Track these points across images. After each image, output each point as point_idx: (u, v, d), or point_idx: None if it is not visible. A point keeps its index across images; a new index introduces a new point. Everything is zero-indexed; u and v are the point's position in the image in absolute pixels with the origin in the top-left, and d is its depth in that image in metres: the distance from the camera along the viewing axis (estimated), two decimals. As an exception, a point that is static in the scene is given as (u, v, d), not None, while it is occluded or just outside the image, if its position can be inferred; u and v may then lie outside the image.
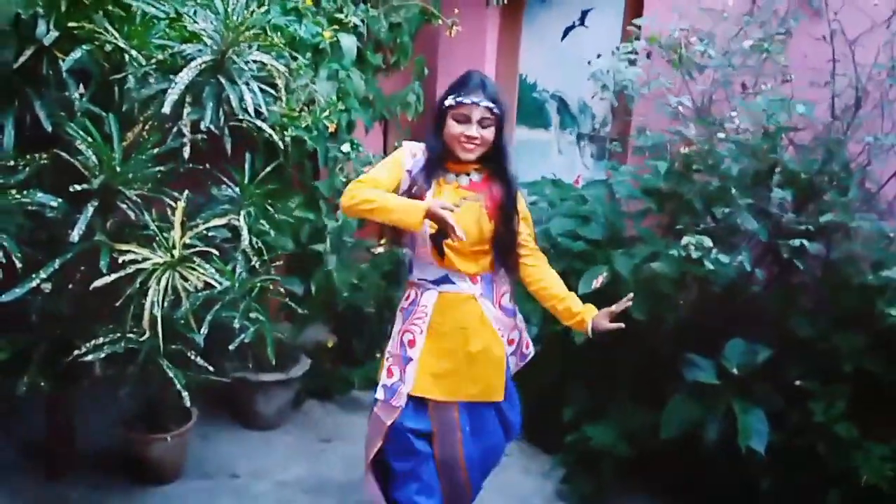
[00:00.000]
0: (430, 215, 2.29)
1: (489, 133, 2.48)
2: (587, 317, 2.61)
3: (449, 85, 2.54)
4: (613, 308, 2.57)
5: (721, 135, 2.93)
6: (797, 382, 3.18)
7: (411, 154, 2.58)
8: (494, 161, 2.57)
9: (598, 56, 4.33)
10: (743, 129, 2.97)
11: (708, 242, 2.76)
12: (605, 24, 4.47)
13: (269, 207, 3.27)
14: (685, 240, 2.81)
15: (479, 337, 2.60)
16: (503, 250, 2.60)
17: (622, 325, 2.59)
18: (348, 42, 3.73)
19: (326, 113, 3.47)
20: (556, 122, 4.85)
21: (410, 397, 2.58)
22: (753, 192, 3.01)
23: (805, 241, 2.78)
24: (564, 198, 3.98)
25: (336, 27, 3.67)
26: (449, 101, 2.48)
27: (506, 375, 2.71)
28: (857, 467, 3.01)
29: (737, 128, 2.97)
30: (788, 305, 3.28)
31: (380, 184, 2.46)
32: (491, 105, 2.43)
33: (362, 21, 3.91)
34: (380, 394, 2.63)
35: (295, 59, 3.25)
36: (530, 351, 2.89)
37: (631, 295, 2.57)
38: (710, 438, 3.10)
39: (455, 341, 2.59)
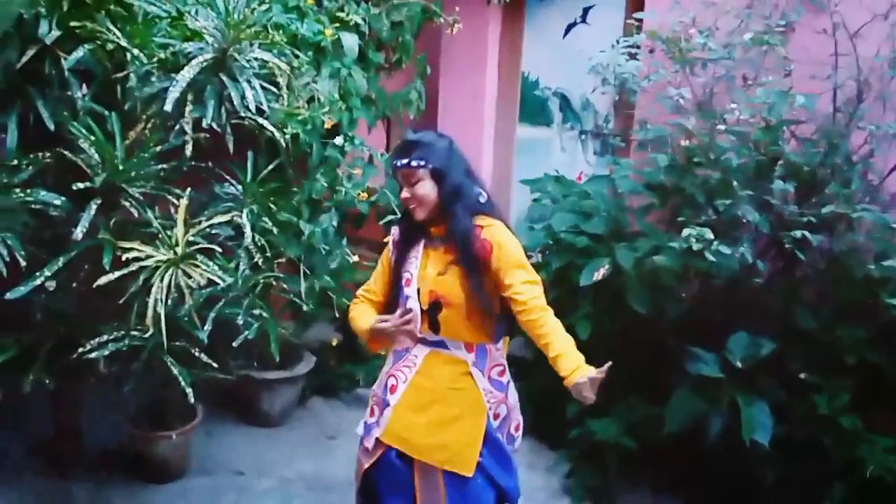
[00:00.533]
0: (373, 341, 2.41)
1: (421, 189, 2.30)
2: (572, 379, 2.25)
3: None
4: (596, 374, 2.25)
5: (722, 127, 2.92)
6: (801, 375, 3.19)
7: (393, 239, 2.51)
8: (442, 219, 2.35)
9: (590, 58, 4.34)
10: (744, 120, 2.97)
11: (709, 234, 2.77)
12: (606, 20, 4.47)
13: (272, 206, 3.28)
14: (686, 231, 2.81)
15: (462, 402, 2.40)
16: (475, 313, 2.33)
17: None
18: (350, 40, 3.73)
19: (326, 109, 3.48)
20: (559, 119, 4.86)
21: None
22: (755, 185, 3.01)
23: (808, 233, 2.78)
24: (567, 194, 3.99)
25: (338, 25, 3.68)
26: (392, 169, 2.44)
27: (492, 444, 2.45)
28: (861, 459, 3.02)
29: (737, 119, 2.97)
30: (791, 298, 3.28)
31: (372, 288, 2.53)
32: (408, 163, 2.29)
33: (364, 20, 3.92)
34: (359, 429, 2.54)
35: (297, 56, 3.26)
36: (518, 435, 2.62)
37: (609, 363, 2.28)
38: (714, 432, 3.10)
39: (434, 399, 2.40)
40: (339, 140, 3.58)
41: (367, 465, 2.47)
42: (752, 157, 3.06)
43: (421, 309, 2.35)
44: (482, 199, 2.38)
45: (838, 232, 3.20)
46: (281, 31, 3.20)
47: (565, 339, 2.28)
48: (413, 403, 2.41)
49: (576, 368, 2.23)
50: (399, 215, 2.59)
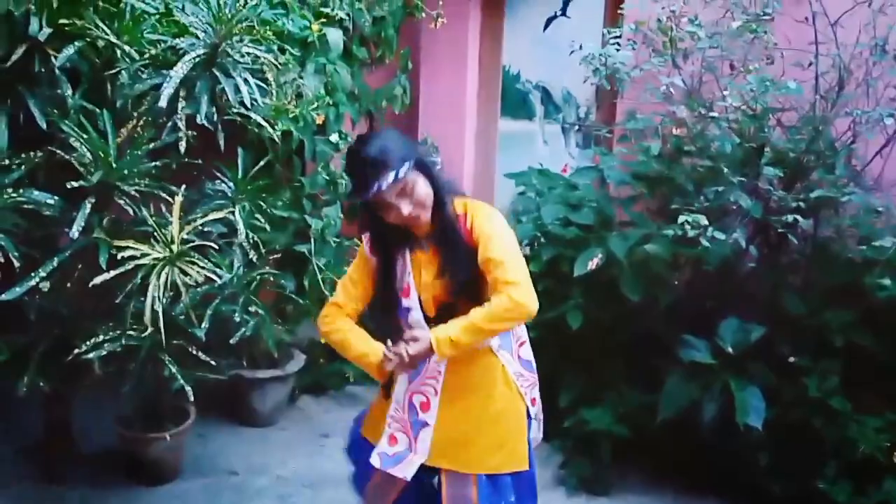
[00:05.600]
0: (385, 375, 2.20)
1: (420, 191, 2.07)
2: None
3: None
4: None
5: (714, 113, 2.96)
6: (791, 359, 3.24)
7: (369, 248, 2.27)
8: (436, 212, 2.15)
9: (580, 47, 4.37)
10: (733, 108, 3.01)
11: (703, 221, 2.80)
12: (587, 13, 4.51)
13: (262, 203, 3.27)
14: (681, 218, 2.85)
15: (500, 395, 2.24)
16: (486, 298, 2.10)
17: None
18: (335, 36, 3.73)
19: (314, 105, 3.47)
20: (541, 112, 4.88)
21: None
22: (744, 172, 3.06)
23: (798, 217, 2.82)
24: (552, 187, 4.01)
25: (323, 21, 3.67)
26: (358, 201, 2.25)
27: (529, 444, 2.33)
28: (852, 439, 3.07)
29: (727, 107, 3.01)
30: (779, 284, 3.34)
31: (351, 295, 2.27)
32: (396, 175, 2.00)
33: (348, 15, 3.91)
34: (375, 461, 2.25)
35: (284, 52, 3.25)
36: (541, 419, 2.48)
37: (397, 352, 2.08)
38: (707, 417, 3.14)
39: (473, 401, 2.23)
40: (334, 137, 3.57)
41: (394, 497, 2.33)
42: (739, 144, 3.10)
43: (427, 318, 2.17)
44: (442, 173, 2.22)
45: (824, 217, 3.27)
46: (268, 27, 3.19)
47: (470, 316, 2.04)
48: (455, 414, 2.22)
49: (440, 334, 2.03)
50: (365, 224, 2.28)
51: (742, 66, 3.12)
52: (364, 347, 2.19)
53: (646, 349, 3.51)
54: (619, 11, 3.40)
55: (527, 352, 2.36)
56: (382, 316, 2.29)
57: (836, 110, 3.12)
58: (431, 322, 2.15)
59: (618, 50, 3.23)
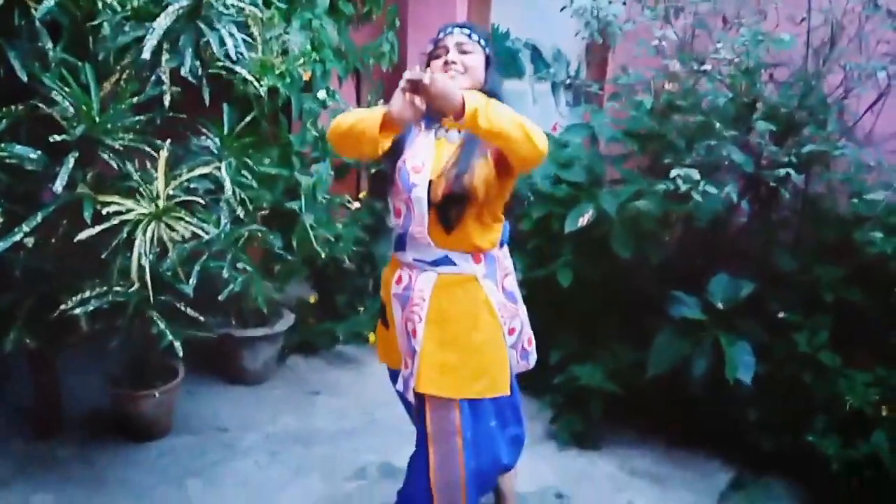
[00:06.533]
0: (388, 119, 2.05)
1: (471, 60, 2.22)
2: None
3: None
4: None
5: (707, 66, 2.93)
6: (780, 315, 3.25)
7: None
8: None
9: (571, 2, 4.32)
10: (725, 62, 2.98)
11: (696, 175, 2.78)
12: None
13: (249, 160, 3.23)
14: (673, 172, 2.83)
15: (483, 324, 2.31)
16: (490, 208, 2.26)
17: None
18: (321, -10, 3.67)
19: (301, 61, 3.42)
20: (530, 70, 4.83)
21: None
22: (735, 127, 3.04)
23: (790, 171, 2.81)
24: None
25: (309, -26, 3.61)
26: (428, 49, 2.33)
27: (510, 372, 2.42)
28: (841, 394, 3.08)
29: (719, 61, 2.97)
30: (770, 240, 3.33)
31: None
32: (466, 31, 2.25)
33: (334, -31, 3.85)
34: (399, 385, 2.40)
35: (269, 6, 3.20)
36: (532, 349, 2.57)
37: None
38: (697, 373, 3.15)
39: (457, 329, 2.29)
40: (321, 94, 3.52)
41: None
42: (731, 100, 3.08)
43: (430, 203, 2.20)
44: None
45: (815, 173, 3.25)
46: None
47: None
48: (438, 341, 2.28)
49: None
50: None
51: (735, 20, 3.08)
52: (368, 111, 2.14)
53: (636, 306, 3.51)
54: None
55: (511, 283, 2.42)
56: (382, 182, 2.37)
57: (828, 66, 3.10)
58: (432, 207, 2.20)
59: (610, 2, 3.18)
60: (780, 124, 3.05)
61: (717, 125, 2.92)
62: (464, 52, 2.23)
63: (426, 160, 2.23)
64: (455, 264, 2.29)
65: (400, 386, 2.40)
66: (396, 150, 2.25)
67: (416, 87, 1.97)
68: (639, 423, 3.60)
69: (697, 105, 3.10)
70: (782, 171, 2.82)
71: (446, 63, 2.23)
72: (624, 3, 3.28)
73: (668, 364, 3.22)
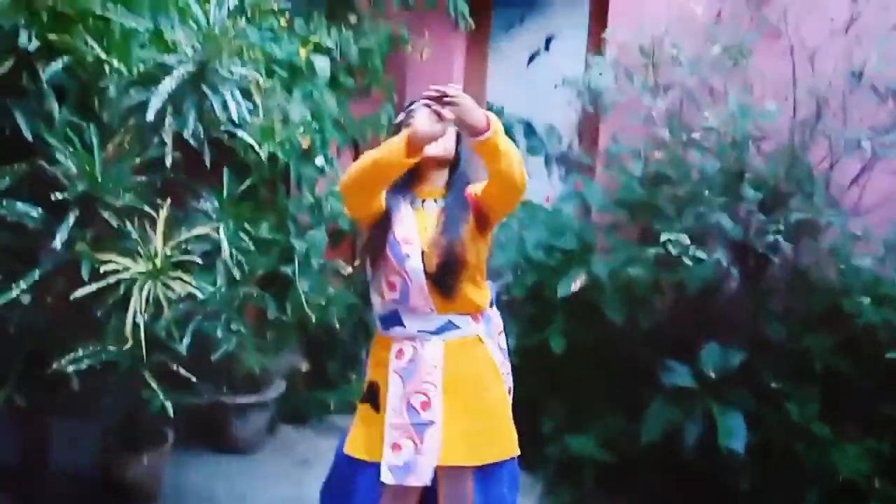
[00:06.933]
0: (413, 140, 2.05)
1: (447, 136, 2.20)
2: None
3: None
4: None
5: (696, 135, 3.01)
6: (772, 384, 3.26)
7: None
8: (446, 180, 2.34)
9: (563, 82, 4.45)
10: (713, 133, 3.07)
11: (686, 240, 2.84)
12: (568, 48, 4.59)
13: (247, 224, 3.27)
14: (664, 237, 2.88)
15: (492, 384, 2.31)
16: (480, 270, 2.32)
17: None
18: (322, 63, 3.78)
19: (301, 130, 3.49)
20: (524, 145, 4.93)
21: None
22: (724, 196, 3.11)
23: (779, 237, 2.86)
24: (534, 217, 4.04)
25: (311, 48, 3.72)
26: (400, 118, 2.37)
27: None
28: (833, 465, 3.08)
29: (707, 129, 3.06)
30: (759, 309, 3.37)
31: None
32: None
33: (336, 44, 3.97)
34: (387, 477, 2.21)
35: (271, 75, 3.29)
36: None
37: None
38: (689, 441, 3.15)
39: (471, 393, 2.27)
40: (319, 161, 3.59)
41: None
42: (720, 170, 3.16)
43: (426, 274, 2.21)
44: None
45: (803, 244, 3.31)
46: (257, 50, 3.23)
47: None
48: (457, 408, 2.23)
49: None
50: None
51: (722, 92, 3.19)
52: (382, 147, 2.16)
53: (628, 374, 3.52)
54: (601, 37, 3.47)
55: (503, 341, 2.44)
56: (373, 253, 2.30)
57: (813, 138, 3.19)
58: (428, 277, 2.21)
59: (600, 74, 3.29)
60: (767, 194, 3.12)
61: (706, 193, 2.99)
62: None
63: (415, 231, 2.25)
64: (459, 327, 2.28)
65: (393, 476, 2.21)
66: (384, 222, 2.27)
67: (441, 99, 2.01)
68: (631, 493, 3.55)
69: (687, 174, 3.17)
70: (771, 237, 2.87)
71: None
72: (616, 80, 3.39)
73: (660, 432, 3.21)
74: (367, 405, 2.37)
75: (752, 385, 3.26)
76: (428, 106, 2.03)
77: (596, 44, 3.49)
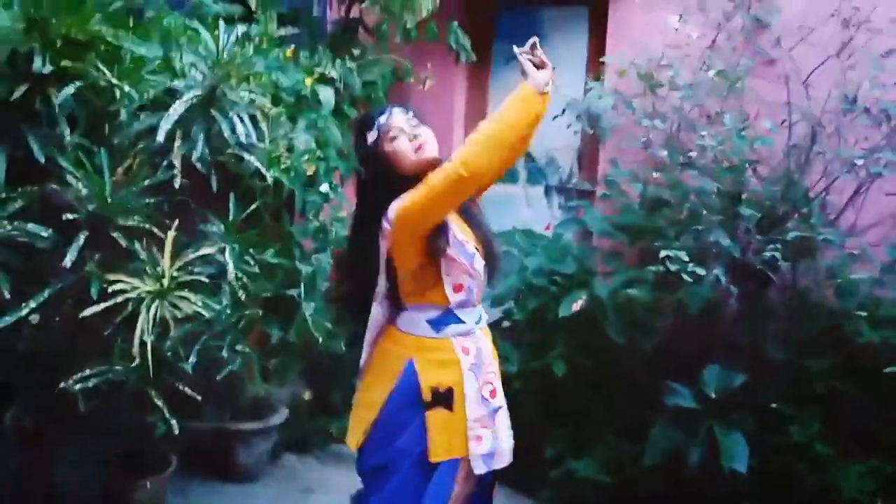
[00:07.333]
0: (540, 85, 2.13)
1: (428, 133, 2.33)
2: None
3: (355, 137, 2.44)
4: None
5: (693, 153, 3.07)
6: (773, 405, 3.27)
7: None
8: None
9: (563, 112, 4.53)
10: (710, 153, 3.13)
11: (684, 256, 2.88)
12: (568, 82, 4.66)
13: (252, 251, 3.32)
14: (663, 253, 2.92)
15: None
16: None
17: None
18: (326, 93, 3.85)
19: (306, 157, 3.56)
20: (524, 176, 5.00)
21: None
22: (722, 215, 3.16)
23: (776, 254, 2.90)
24: (535, 244, 4.09)
25: (316, 78, 3.79)
26: (371, 138, 2.33)
27: None
28: (836, 484, 3.08)
29: (704, 149, 3.12)
30: (760, 331, 3.39)
31: None
32: (406, 109, 2.35)
33: (339, 76, 4.05)
34: (479, 468, 2.30)
35: (277, 103, 3.36)
36: None
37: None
38: (692, 462, 3.15)
39: (500, 373, 2.48)
40: (324, 188, 3.65)
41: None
42: (717, 192, 3.21)
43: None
44: None
45: (801, 268, 3.35)
46: (263, 77, 3.30)
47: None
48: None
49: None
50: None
51: (718, 115, 3.26)
52: (501, 111, 2.18)
53: (630, 396, 3.53)
54: (600, 62, 3.55)
55: None
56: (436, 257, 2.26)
57: (809, 160, 3.25)
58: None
59: (600, 98, 3.37)
60: (764, 216, 3.17)
61: (704, 212, 3.04)
62: (418, 127, 2.31)
63: (459, 231, 2.32)
64: (483, 315, 2.45)
65: (484, 465, 2.30)
66: (444, 225, 2.26)
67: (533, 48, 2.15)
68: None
69: (685, 195, 3.22)
70: (768, 254, 2.91)
71: (414, 138, 2.28)
72: (614, 105, 3.46)
73: (663, 453, 3.22)
74: (439, 409, 2.32)
75: (753, 406, 3.28)
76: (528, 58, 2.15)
77: (594, 68, 3.57)
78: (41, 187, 2.70)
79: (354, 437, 2.42)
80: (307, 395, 4.44)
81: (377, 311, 2.43)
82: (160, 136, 2.62)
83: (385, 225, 2.25)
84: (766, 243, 3.05)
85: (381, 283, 2.38)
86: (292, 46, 3.86)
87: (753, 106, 3.32)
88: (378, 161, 2.33)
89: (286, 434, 4.26)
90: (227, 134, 2.79)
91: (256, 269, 3.21)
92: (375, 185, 2.36)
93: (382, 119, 2.29)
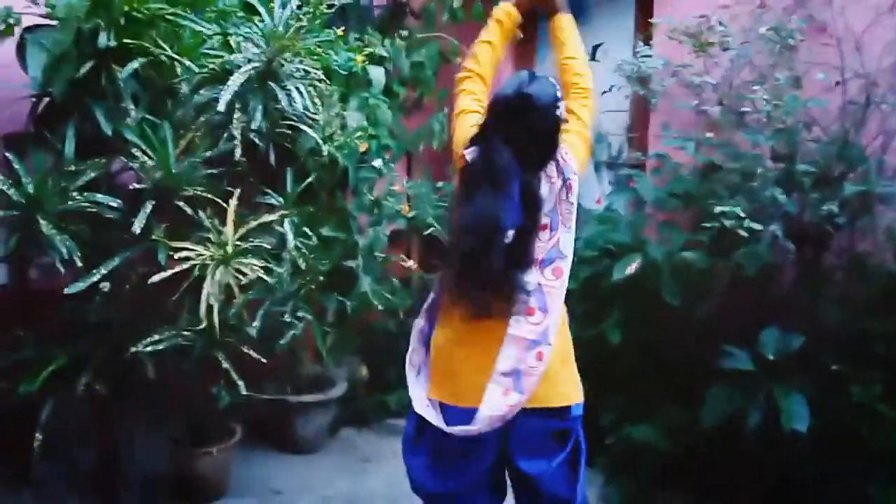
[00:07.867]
0: None
1: None
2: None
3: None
4: None
5: (746, 108, 3.05)
6: (833, 367, 3.24)
7: None
8: None
9: (611, 88, 4.52)
10: (764, 111, 3.11)
11: (740, 212, 2.86)
12: (615, 58, 4.67)
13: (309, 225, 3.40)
14: (718, 209, 2.91)
15: None
16: None
17: None
18: (377, 73, 3.91)
19: (358, 135, 3.62)
20: (574, 153, 5.00)
21: None
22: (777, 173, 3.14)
23: (834, 208, 2.87)
24: (586, 219, 4.09)
25: (365, 58, 3.86)
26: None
27: None
28: (901, 444, 3.04)
29: (757, 102, 3.10)
30: (818, 294, 3.35)
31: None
32: None
33: (388, 54, 4.11)
34: None
35: (330, 81, 3.43)
36: None
37: None
38: (752, 425, 3.13)
39: None
40: (377, 163, 3.71)
41: None
42: (772, 149, 3.19)
43: None
44: None
45: (860, 227, 3.30)
46: (316, 55, 3.37)
47: None
48: None
49: None
50: None
51: (771, 73, 3.24)
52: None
53: (686, 362, 3.51)
54: (648, 22, 3.56)
55: None
56: None
57: (865, 121, 3.21)
58: None
59: (650, 57, 3.37)
60: (820, 175, 3.14)
61: (759, 169, 3.02)
62: None
63: None
64: None
65: None
66: None
67: None
68: (693, 482, 3.52)
69: (738, 157, 3.20)
70: (826, 209, 2.88)
71: None
72: (665, 64, 3.45)
73: (721, 416, 3.20)
74: None
75: (812, 369, 3.24)
76: None
77: (644, 30, 3.57)
78: (109, 160, 2.81)
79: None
80: (364, 372, 4.51)
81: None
82: (221, 106, 2.70)
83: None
84: (823, 201, 3.02)
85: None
86: (342, 28, 3.93)
87: (804, 67, 3.29)
88: None
89: (345, 410, 4.34)
90: (284, 103, 2.85)
91: (314, 241, 3.29)
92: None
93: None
